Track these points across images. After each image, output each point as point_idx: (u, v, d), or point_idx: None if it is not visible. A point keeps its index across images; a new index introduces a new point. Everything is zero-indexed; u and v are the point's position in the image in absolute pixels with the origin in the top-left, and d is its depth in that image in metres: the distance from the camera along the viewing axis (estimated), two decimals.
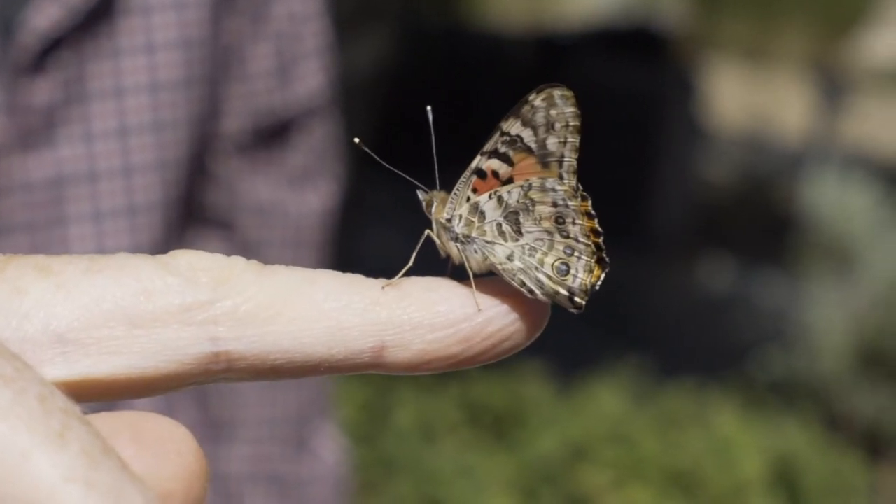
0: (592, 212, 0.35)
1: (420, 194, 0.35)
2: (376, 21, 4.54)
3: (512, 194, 0.34)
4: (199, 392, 0.88)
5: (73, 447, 0.23)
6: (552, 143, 0.34)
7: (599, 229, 0.35)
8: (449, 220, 0.35)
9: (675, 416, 2.74)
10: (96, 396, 0.29)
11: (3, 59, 0.75)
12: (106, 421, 0.26)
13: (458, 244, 0.35)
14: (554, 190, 0.34)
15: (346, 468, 0.93)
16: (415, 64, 4.83)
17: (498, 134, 0.34)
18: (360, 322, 0.30)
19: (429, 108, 0.38)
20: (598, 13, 5.83)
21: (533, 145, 0.34)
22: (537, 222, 0.34)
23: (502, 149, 0.34)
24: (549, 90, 0.34)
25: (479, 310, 0.31)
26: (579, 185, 0.35)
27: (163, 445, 0.26)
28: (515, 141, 0.34)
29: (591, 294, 0.34)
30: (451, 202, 0.35)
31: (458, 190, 0.35)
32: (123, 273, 0.29)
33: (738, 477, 2.52)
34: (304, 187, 0.89)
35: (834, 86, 4.92)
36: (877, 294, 3.14)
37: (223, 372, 0.30)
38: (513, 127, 0.34)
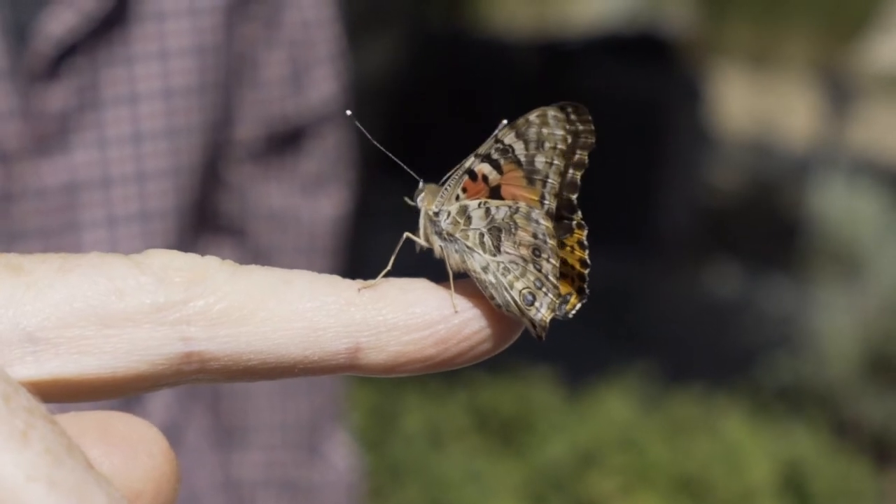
0: (586, 242, 0.35)
1: (420, 183, 0.35)
2: (383, 27, 4.54)
3: (500, 211, 0.34)
4: (212, 398, 0.88)
5: (37, 446, 0.23)
6: (540, 161, 0.34)
7: (588, 261, 0.35)
8: (437, 214, 0.35)
9: (683, 421, 2.73)
10: (67, 397, 0.29)
11: (18, 64, 0.75)
12: (74, 420, 0.26)
13: (441, 240, 0.35)
14: (537, 222, 0.34)
15: (357, 474, 0.93)
16: (421, 69, 4.84)
17: (493, 140, 0.34)
18: (334, 323, 0.30)
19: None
20: (604, 18, 5.83)
21: (522, 159, 0.34)
22: (516, 246, 0.34)
23: (495, 155, 0.34)
24: (545, 109, 0.34)
25: (456, 311, 0.31)
26: (579, 212, 0.35)
27: (132, 446, 0.26)
28: (507, 151, 0.34)
29: (550, 328, 0.34)
30: (441, 196, 0.35)
31: (448, 186, 0.35)
32: (96, 272, 0.29)
33: (746, 483, 2.52)
34: (317, 194, 0.89)
35: (840, 91, 4.92)
36: (884, 300, 3.13)
37: (196, 373, 0.29)
38: (507, 136, 0.34)
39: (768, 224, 4.67)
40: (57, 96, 0.76)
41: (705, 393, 2.89)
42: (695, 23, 5.82)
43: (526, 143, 0.34)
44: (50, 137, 0.76)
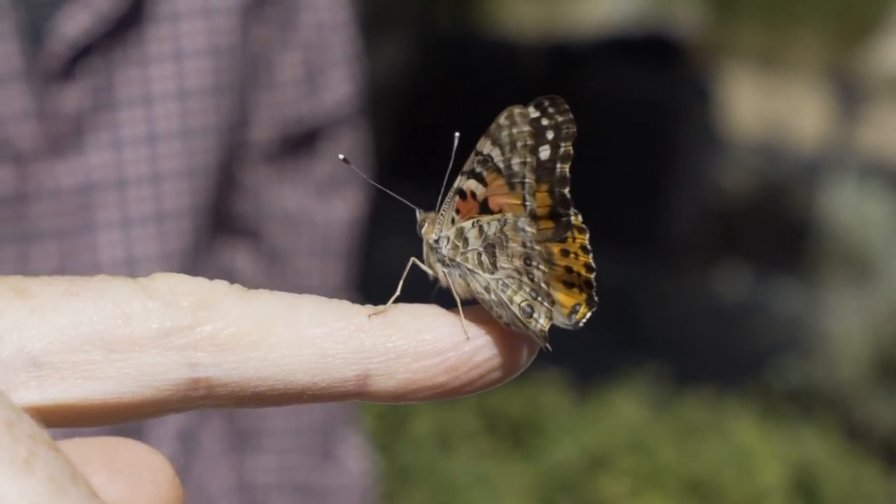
0: (589, 247, 0.34)
1: (418, 213, 0.35)
2: (392, 29, 4.55)
3: (491, 226, 0.34)
4: None
5: (40, 474, 0.23)
6: (515, 163, 0.34)
7: (593, 265, 0.34)
8: (437, 241, 0.34)
9: (693, 424, 2.73)
10: (71, 422, 0.28)
11: (34, 65, 0.75)
12: (79, 447, 0.26)
13: (444, 267, 0.34)
14: (524, 230, 0.33)
15: (371, 478, 0.93)
16: (430, 71, 4.84)
17: (474, 153, 0.34)
18: (344, 349, 0.29)
19: (457, 134, 0.37)
20: (613, 20, 5.83)
21: (501, 165, 0.34)
22: (510, 259, 0.33)
23: (478, 169, 0.34)
24: (511, 108, 0.33)
25: (468, 338, 0.30)
26: (579, 216, 0.34)
27: (137, 472, 0.26)
28: (487, 160, 0.34)
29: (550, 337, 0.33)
30: (438, 222, 0.35)
31: (443, 211, 0.35)
32: (101, 296, 0.28)
33: (757, 486, 2.51)
34: (331, 196, 0.89)
35: (850, 93, 4.91)
36: (894, 302, 3.13)
37: (203, 399, 0.29)
38: (485, 147, 0.34)
39: (778, 226, 4.67)
40: (72, 97, 0.76)
41: (715, 395, 2.89)
42: (704, 24, 5.82)
43: (501, 147, 0.34)
44: (65, 138, 0.76)
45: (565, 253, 0.34)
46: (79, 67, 0.76)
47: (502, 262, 0.34)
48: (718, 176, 4.93)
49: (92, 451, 0.26)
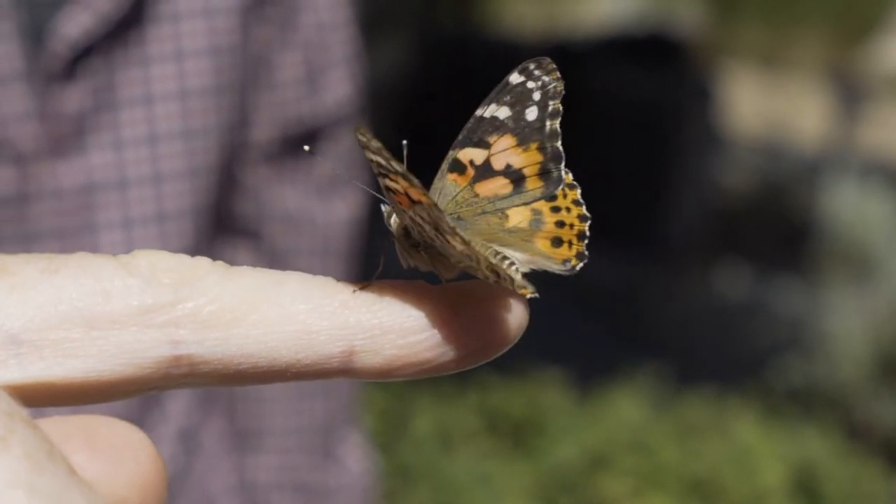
0: (580, 199, 0.34)
1: (383, 207, 0.34)
2: (392, 29, 4.54)
3: (405, 215, 0.33)
4: (228, 402, 0.88)
5: (16, 451, 0.23)
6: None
7: (587, 214, 0.34)
8: (406, 230, 0.33)
9: (694, 424, 2.73)
10: (52, 401, 0.28)
11: (35, 66, 0.75)
12: (58, 425, 0.25)
13: (422, 251, 0.33)
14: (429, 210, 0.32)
15: (372, 477, 0.93)
16: (431, 70, 4.84)
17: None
18: (328, 326, 0.29)
19: (404, 142, 0.37)
20: (614, 20, 5.82)
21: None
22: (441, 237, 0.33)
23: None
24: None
25: (455, 313, 0.30)
26: (568, 172, 0.34)
27: (118, 451, 0.25)
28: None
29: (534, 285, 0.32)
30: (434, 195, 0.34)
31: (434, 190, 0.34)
32: (81, 273, 0.28)
33: (758, 485, 2.51)
34: (332, 196, 0.89)
35: (851, 92, 4.91)
36: (895, 302, 3.12)
37: (185, 376, 0.28)
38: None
39: (779, 226, 4.66)
40: (73, 97, 0.76)
41: (716, 395, 2.89)
42: (705, 24, 5.81)
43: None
44: (66, 139, 0.76)
45: (556, 209, 0.34)
46: (80, 68, 0.76)
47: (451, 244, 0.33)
48: (719, 175, 4.93)
49: (71, 429, 0.25)
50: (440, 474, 2.43)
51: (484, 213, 0.34)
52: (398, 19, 4.67)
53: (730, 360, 3.46)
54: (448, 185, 0.34)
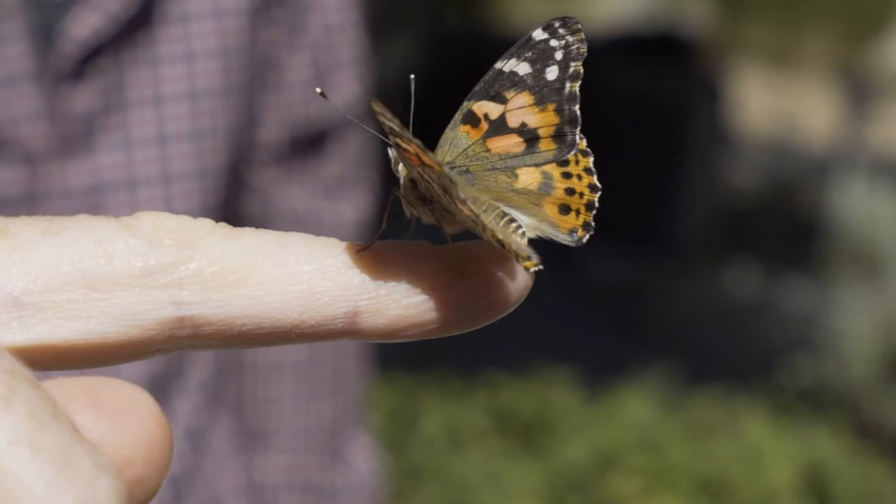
0: (592, 168, 0.33)
1: (389, 151, 0.34)
2: (401, 28, 4.54)
3: (413, 169, 0.32)
4: (235, 402, 0.88)
5: (20, 409, 0.23)
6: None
7: (598, 185, 0.33)
8: (413, 180, 0.33)
9: (704, 423, 2.73)
10: (56, 363, 0.28)
11: (44, 66, 0.75)
12: (62, 386, 0.25)
13: (426, 204, 0.33)
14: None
15: (380, 478, 0.93)
16: (439, 70, 4.84)
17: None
18: (332, 286, 0.29)
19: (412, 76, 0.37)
20: (622, 18, 5.82)
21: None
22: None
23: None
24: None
25: (461, 273, 0.29)
26: (582, 138, 0.34)
27: (122, 411, 0.25)
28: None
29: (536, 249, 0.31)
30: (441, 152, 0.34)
31: (443, 141, 0.34)
32: (83, 234, 0.28)
33: (768, 484, 2.51)
34: (340, 197, 0.89)
35: (860, 91, 4.90)
36: None
37: (188, 338, 0.28)
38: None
39: (788, 224, 4.66)
40: (82, 98, 0.76)
41: (725, 394, 2.89)
42: (713, 23, 5.81)
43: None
44: (75, 139, 0.76)
45: (567, 175, 0.33)
46: (89, 68, 0.76)
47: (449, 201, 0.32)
48: (728, 174, 4.92)
49: (75, 389, 0.25)
50: (449, 474, 2.43)
51: (493, 169, 0.34)
52: (407, 18, 4.67)
53: (739, 359, 3.45)
54: (460, 136, 0.34)
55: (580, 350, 3.17)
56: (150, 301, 0.28)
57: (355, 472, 0.91)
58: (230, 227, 0.29)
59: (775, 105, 5.53)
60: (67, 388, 0.25)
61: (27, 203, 0.76)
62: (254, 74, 0.82)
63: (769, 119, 5.50)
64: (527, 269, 0.30)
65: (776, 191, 5.01)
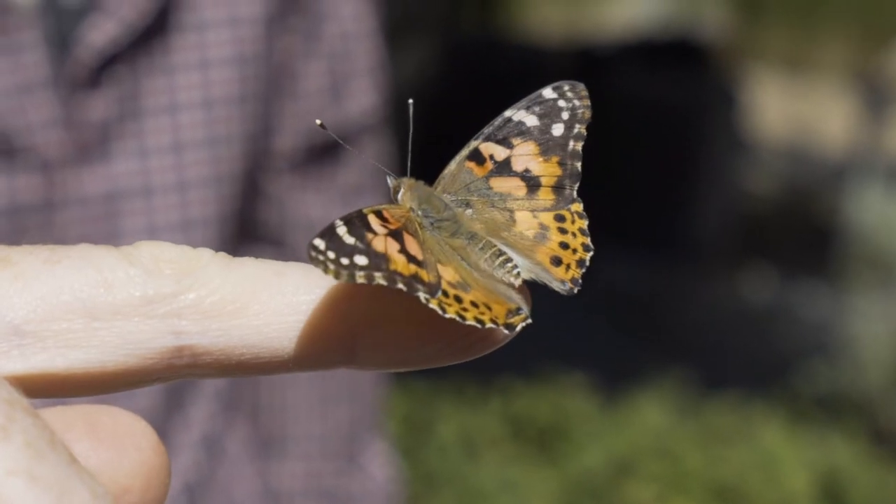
0: (587, 230, 0.35)
1: (389, 180, 0.35)
2: (417, 33, 4.55)
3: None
4: (252, 409, 0.88)
5: (17, 439, 0.23)
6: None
7: (591, 245, 0.35)
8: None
9: (719, 429, 2.72)
10: (55, 392, 0.28)
11: (61, 74, 0.75)
12: (61, 414, 0.25)
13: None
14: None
15: (396, 484, 0.93)
16: (455, 75, 4.84)
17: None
18: (330, 317, 0.29)
19: (410, 101, 0.38)
20: (638, 24, 5.81)
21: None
22: None
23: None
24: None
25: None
26: (580, 201, 0.35)
27: (120, 440, 0.25)
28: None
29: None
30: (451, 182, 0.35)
31: (453, 173, 0.35)
32: (84, 264, 0.28)
33: (784, 491, 2.50)
34: (356, 204, 0.89)
35: (876, 96, 4.88)
36: None
37: (187, 367, 0.28)
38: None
39: (804, 230, 4.64)
40: (98, 106, 0.76)
41: (741, 400, 2.88)
42: (729, 27, 5.79)
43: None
44: (91, 146, 0.77)
45: (563, 231, 0.35)
46: (105, 76, 0.76)
47: None
48: (744, 179, 4.91)
49: (74, 418, 0.25)
50: (464, 480, 2.43)
51: (493, 207, 0.35)
52: (423, 25, 4.67)
53: (754, 366, 3.44)
54: (464, 172, 0.35)
55: (595, 356, 3.16)
56: (150, 330, 0.28)
57: (371, 478, 0.91)
58: (229, 256, 0.29)
59: (792, 110, 5.52)
60: (66, 416, 0.25)
61: (44, 210, 0.76)
62: (269, 83, 0.83)
63: (785, 124, 5.49)
64: (512, 326, 0.30)
65: (792, 196, 5.00)
